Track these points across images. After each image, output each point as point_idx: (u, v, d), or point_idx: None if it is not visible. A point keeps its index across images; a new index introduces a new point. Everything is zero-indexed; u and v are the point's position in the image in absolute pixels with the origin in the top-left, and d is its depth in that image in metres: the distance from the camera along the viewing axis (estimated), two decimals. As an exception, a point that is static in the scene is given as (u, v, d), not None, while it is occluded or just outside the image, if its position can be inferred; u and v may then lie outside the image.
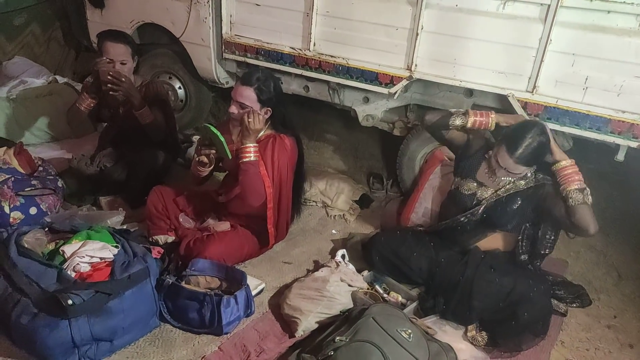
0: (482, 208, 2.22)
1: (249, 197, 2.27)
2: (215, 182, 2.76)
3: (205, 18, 3.22)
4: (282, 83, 3.19)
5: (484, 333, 2.08)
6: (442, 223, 2.35)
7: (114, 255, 1.98)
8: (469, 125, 2.25)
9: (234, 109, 2.29)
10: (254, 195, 2.27)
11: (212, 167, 2.38)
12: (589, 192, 2.06)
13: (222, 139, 2.13)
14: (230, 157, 2.19)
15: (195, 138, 3.45)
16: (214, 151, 2.26)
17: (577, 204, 2.04)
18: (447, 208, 2.40)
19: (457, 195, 2.29)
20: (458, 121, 2.26)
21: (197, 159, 2.34)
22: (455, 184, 2.34)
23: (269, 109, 2.32)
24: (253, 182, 2.25)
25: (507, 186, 2.20)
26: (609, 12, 2.26)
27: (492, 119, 2.24)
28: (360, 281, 2.27)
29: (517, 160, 2.07)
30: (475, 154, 2.30)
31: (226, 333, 2.02)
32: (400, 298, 2.27)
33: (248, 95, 2.25)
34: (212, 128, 2.16)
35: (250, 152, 2.23)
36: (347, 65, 2.92)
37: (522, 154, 2.06)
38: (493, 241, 2.30)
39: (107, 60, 2.64)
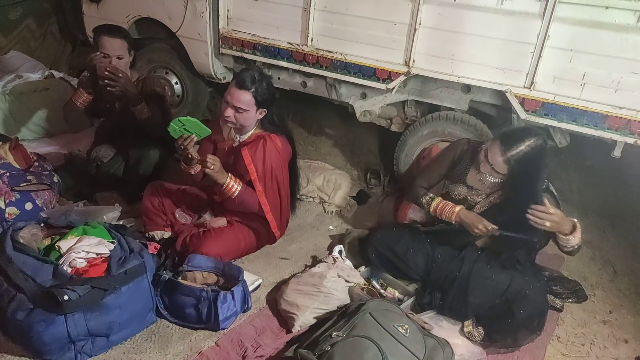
0: None
1: (250, 210, 2.33)
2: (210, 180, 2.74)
3: (202, 12, 3.20)
4: (279, 79, 3.21)
5: (480, 328, 2.08)
6: (437, 226, 2.34)
7: (110, 250, 1.97)
8: (430, 210, 2.25)
9: (229, 113, 2.22)
10: (253, 208, 2.32)
11: (198, 161, 2.33)
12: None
13: (193, 119, 2.06)
14: (210, 132, 2.14)
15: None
16: (194, 136, 2.10)
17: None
18: None
19: (449, 200, 2.26)
20: (424, 200, 2.26)
21: (182, 156, 2.20)
22: (446, 188, 2.33)
23: (264, 109, 2.30)
24: (251, 201, 2.28)
25: (500, 192, 2.19)
26: (607, 8, 2.26)
27: (455, 212, 2.17)
28: (357, 277, 2.27)
29: (506, 160, 2.05)
30: (462, 158, 2.28)
31: (223, 329, 2.01)
32: (397, 294, 2.27)
33: (246, 99, 2.20)
34: (177, 120, 2.05)
35: (233, 186, 2.22)
36: (344, 60, 2.91)
37: (513, 156, 2.04)
38: (489, 238, 2.30)
39: (103, 55, 2.63)
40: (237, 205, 2.31)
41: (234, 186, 2.22)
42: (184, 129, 2.10)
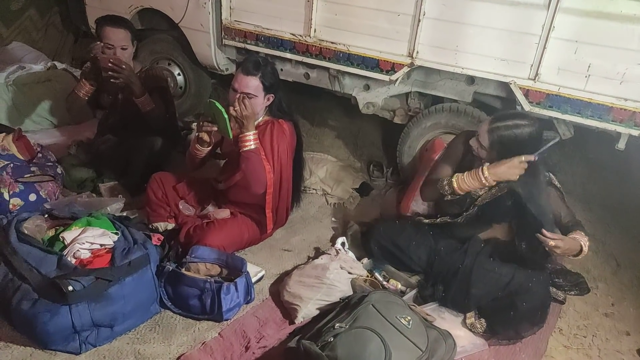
0: (476, 208, 2.21)
1: (252, 184, 2.26)
2: (215, 169, 2.75)
3: (205, 3, 3.18)
4: (281, 70, 3.20)
5: (482, 320, 2.09)
6: (440, 219, 2.34)
7: (114, 242, 1.98)
8: (455, 188, 2.10)
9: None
10: (257, 182, 2.25)
11: (210, 148, 2.35)
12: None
13: (225, 116, 2.10)
14: (231, 137, 2.17)
15: (195, 125, 3.43)
16: (215, 128, 2.21)
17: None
18: (443, 203, 2.38)
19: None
20: (444, 183, 2.14)
21: (197, 135, 2.30)
22: None
23: (272, 95, 2.30)
24: (255, 169, 2.22)
25: (502, 184, 2.18)
26: (613, -2, 2.24)
27: (485, 176, 2.02)
28: (359, 269, 2.28)
29: (490, 131, 2.02)
30: (466, 151, 2.26)
31: (226, 319, 2.03)
32: (399, 286, 2.28)
33: (254, 85, 2.21)
34: (217, 104, 2.11)
35: (250, 141, 2.20)
36: (348, 52, 2.89)
37: (498, 128, 2.01)
38: (492, 231, 2.30)
39: (105, 45, 2.62)
40: (243, 171, 2.24)
41: (252, 142, 2.20)
42: (214, 114, 2.16)
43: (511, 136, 2.01)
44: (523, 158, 1.98)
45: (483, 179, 2.05)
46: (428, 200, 2.41)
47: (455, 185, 2.11)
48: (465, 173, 2.10)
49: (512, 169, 2.00)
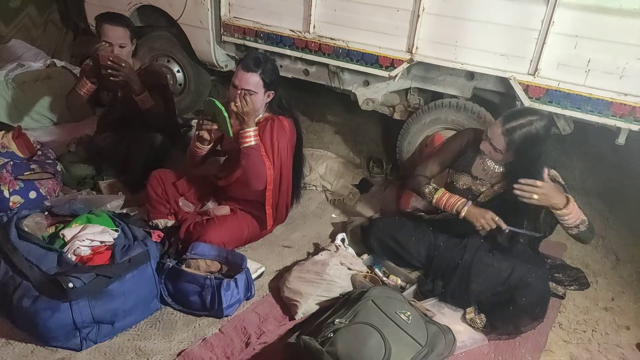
0: (478, 205, 2.20)
1: (252, 180, 2.26)
2: (215, 166, 2.75)
3: (204, 0, 3.18)
4: (281, 66, 3.19)
5: (482, 315, 2.09)
6: (440, 215, 2.34)
7: (114, 238, 1.98)
8: (433, 201, 2.22)
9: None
10: (257, 178, 2.26)
11: (210, 145, 2.36)
12: (586, 223, 2.01)
13: (225, 114, 2.11)
14: (231, 135, 2.18)
15: (195, 122, 3.44)
16: (215, 127, 2.23)
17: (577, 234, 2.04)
18: None
19: (453, 190, 2.26)
20: (426, 190, 2.23)
21: (197, 133, 2.32)
22: (451, 177, 2.32)
23: (272, 92, 2.30)
24: (255, 165, 2.23)
25: (504, 182, 2.18)
26: (613, -8, 2.23)
27: (465, 210, 2.13)
28: (359, 264, 2.28)
29: (505, 132, 2.03)
30: (467, 148, 2.27)
31: (227, 316, 2.03)
32: (399, 281, 2.28)
33: (254, 81, 2.22)
34: (217, 102, 2.13)
35: (251, 137, 2.21)
36: (347, 48, 2.89)
37: (513, 128, 2.01)
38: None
39: (107, 44, 2.62)
40: (243, 167, 2.25)
41: (252, 138, 2.21)
42: (214, 113, 2.16)
43: (528, 133, 2.01)
44: (497, 219, 2.08)
45: (458, 212, 2.15)
46: (409, 190, 2.44)
47: (436, 197, 2.21)
48: (449, 196, 2.18)
49: (478, 220, 2.10)
